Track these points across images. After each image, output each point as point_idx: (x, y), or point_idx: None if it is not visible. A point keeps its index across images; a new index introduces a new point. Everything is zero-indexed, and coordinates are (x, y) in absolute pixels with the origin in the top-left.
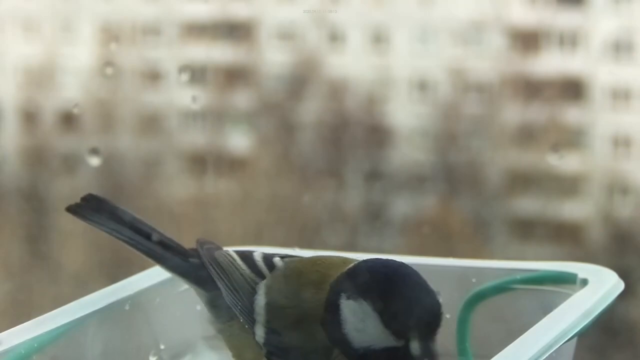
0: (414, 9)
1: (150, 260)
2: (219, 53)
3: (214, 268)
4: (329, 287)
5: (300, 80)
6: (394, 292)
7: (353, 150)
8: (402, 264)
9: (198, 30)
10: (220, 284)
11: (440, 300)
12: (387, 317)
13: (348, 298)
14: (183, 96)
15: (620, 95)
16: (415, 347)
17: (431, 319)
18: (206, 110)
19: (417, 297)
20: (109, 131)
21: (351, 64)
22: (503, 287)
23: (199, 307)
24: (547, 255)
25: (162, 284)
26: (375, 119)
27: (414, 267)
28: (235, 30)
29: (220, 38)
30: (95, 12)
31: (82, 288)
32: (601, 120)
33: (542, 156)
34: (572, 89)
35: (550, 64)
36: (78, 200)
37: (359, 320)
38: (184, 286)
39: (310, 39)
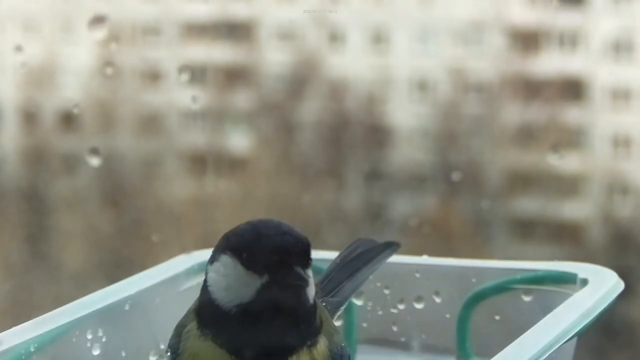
0: (414, 9)
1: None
2: (219, 53)
3: None
4: None
5: (300, 80)
6: (248, 236)
7: (353, 150)
8: (267, 219)
9: (198, 30)
10: None
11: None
12: (245, 259)
13: (212, 262)
14: (183, 96)
15: (620, 95)
16: (270, 278)
17: (283, 248)
18: (206, 110)
19: (268, 234)
20: (109, 131)
21: (351, 64)
22: (503, 287)
23: None
24: (547, 255)
25: (162, 284)
26: (375, 119)
27: (414, 267)
28: (235, 30)
29: (220, 38)
30: (95, 12)
31: (82, 288)
32: (601, 120)
33: (542, 156)
34: (572, 89)
35: (550, 64)
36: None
37: (225, 277)
38: (184, 286)
39: (310, 39)
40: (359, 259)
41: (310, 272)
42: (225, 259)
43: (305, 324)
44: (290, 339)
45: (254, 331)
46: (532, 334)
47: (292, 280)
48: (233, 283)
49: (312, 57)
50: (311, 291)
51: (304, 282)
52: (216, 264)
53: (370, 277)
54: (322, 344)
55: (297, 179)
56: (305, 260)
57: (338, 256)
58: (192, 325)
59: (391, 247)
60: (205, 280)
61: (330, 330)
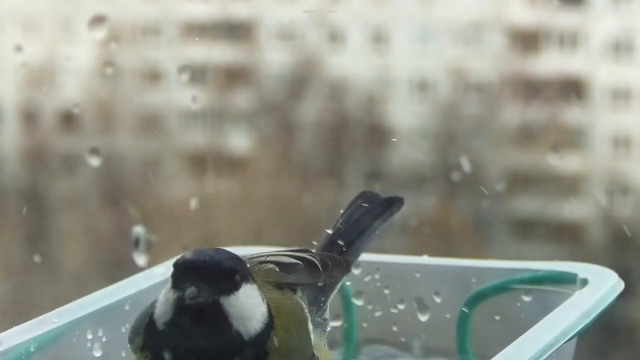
0: (414, 9)
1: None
2: (219, 53)
3: None
4: None
5: (300, 80)
6: (179, 258)
7: (353, 150)
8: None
9: (198, 30)
10: None
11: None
12: (172, 279)
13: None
14: (183, 96)
15: (620, 95)
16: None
17: (189, 266)
18: (206, 110)
19: (191, 256)
20: (109, 131)
21: (351, 64)
22: (503, 287)
23: None
24: (547, 255)
25: (162, 284)
26: (375, 119)
27: (414, 267)
28: (235, 30)
29: (220, 38)
30: (95, 12)
31: (82, 288)
32: (601, 120)
33: (542, 156)
34: (572, 89)
35: (550, 64)
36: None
37: (162, 295)
38: None
39: (310, 39)
40: (367, 216)
41: (238, 299)
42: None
43: (231, 346)
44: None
45: (176, 347)
46: (532, 334)
47: (190, 296)
48: (163, 301)
49: (312, 57)
50: (242, 312)
51: (199, 299)
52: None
53: (377, 232)
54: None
55: (297, 179)
56: (216, 280)
57: (344, 212)
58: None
59: (395, 203)
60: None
61: (296, 346)
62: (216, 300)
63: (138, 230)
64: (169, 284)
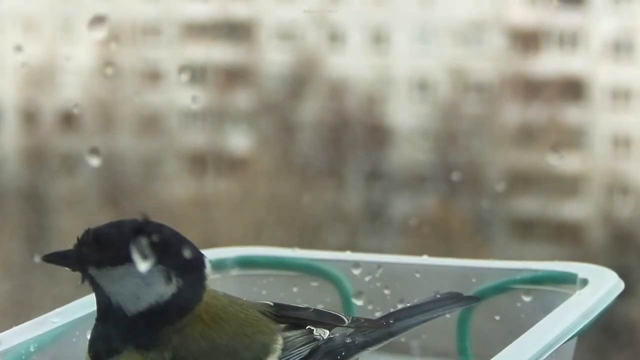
0: (414, 9)
1: None
2: (219, 53)
3: None
4: None
5: (300, 80)
6: None
7: (353, 150)
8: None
9: (198, 30)
10: None
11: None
12: None
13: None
14: (183, 96)
15: (620, 95)
16: None
17: (82, 234)
18: (206, 110)
19: (96, 227)
20: (109, 131)
21: (351, 64)
22: (503, 287)
23: None
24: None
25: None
26: (375, 119)
27: (414, 267)
28: (235, 30)
29: (220, 38)
30: (95, 12)
31: (82, 288)
32: (601, 120)
33: (542, 156)
34: (572, 89)
35: (550, 64)
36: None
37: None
38: None
39: (310, 39)
40: (431, 302)
41: (113, 273)
42: None
43: (113, 316)
44: (105, 341)
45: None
46: (532, 334)
47: (47, 257)
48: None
49: (312, 57)
50: (120, 288)
51: (69, 264)
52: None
53: (428, 321)
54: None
55: (297, 179)
56: (92, 251)
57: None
58: None
59: (468, 299)
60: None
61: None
62: (85, 269)
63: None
64: None
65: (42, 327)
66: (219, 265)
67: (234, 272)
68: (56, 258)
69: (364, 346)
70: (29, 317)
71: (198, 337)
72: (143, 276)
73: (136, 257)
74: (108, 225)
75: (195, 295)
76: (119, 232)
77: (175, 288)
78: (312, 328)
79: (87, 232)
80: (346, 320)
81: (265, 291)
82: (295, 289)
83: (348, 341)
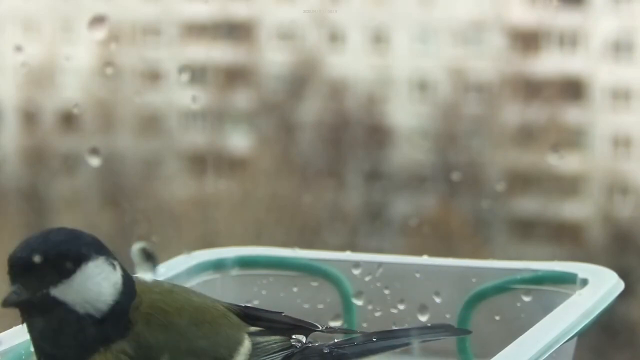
0: (414, 9)
1: None
2: (219, 53)
3: None
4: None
5: (300, 80)
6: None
7: (353, 150)
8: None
9: (198, 30)
10: None
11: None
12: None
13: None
14: (183, 96)
15: (620, 95)
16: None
17: (11, 262)
18: (206, 110)
19: (14, 251)
20: (109, 131)
21: (351, 64)
22: (503, 287)
23: None
24: (547, 255)
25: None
26: (375, 119)
27: (414, 267)
28: (235, 30)
29: (220, 38)
30: (95, 12)
31: None
32: (601, 120)
33: (542, 156)
34: (572, 89)
35: (550, 64)
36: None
37: None
38: (184, 286)
39: (310, 39)
40: (417, 330)
41: (73, 284)
42: None
43: (86, 329)
44: (61, 352)
45: (41, 353)
46: (532, 334)
47: (10, 300)
48: None
49: (312, 57)
50: (84, 295)
51: (22, 299)
52: None
53: (418, 341)
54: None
55: (297, 179)
56: (41, 274)
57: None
58: None
59: (458, 331)
60: None
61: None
62: (46, 294)
63: (140, 246)
64: None
65: None
66: (219, 265)
67: (234, 272)
68: (15, 299)
69: (341, 358)
70: None
71: (157, 323)
72: (99, 272)
73: (87, 257)
74: (32, 246)
75: (129, 274)
76: (53, 245)
77: (121, 271)
78: (292, 336)
79: (16, 259)
80: (319, 327)
81: (265, 291)
82: (295, 289)
83: (325, 351)
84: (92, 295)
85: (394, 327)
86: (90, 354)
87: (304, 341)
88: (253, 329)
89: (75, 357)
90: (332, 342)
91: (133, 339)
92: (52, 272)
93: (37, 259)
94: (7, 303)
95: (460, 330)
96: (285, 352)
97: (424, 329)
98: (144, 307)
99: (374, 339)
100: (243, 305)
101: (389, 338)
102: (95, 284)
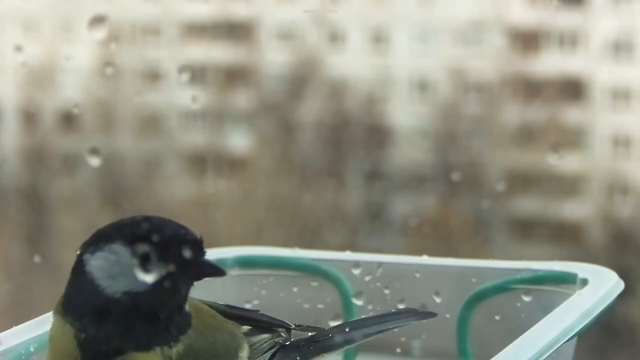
0: (414, 9)
1: None
2: (219, 53)
3: None
4: None
5: (300, 80)
6: (147, 227)
7: (353, 150)
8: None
9: (198, 30)
10: None
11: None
12: (149, 249)
13: (94, 252)
14: (183, 96)
15: (620, 95)
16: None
17: (192, 240)
18: (206, 110)
19: (169, 226)
20: (109, 131)
21: (351, 64)
22: (503, 287)
23: None
24: (547, 255)
25: None
26: (375, 119)
27: (414, 267)
28: (235, 30)
29: (220, 38)
30: (95, 12)
31: None
32: (601, 120)
33: (542, 156)
34: (572, 89)
35: (550, 64)
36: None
37: (116, 265)
38: None
39: (310, 39)
40: (389, 316)
41: (100, 257)
42: (118, 248)
43: (97, 297)
44: (151, 336)
45: (127, 321)
46: (532, 334)
47: (206, 269)
48: (126, 271)
49: (312, 57)
50: (105, 271)
51: (217, 271)
52: (102, 253)
53: (389, 329)
54: (178, 347)
55: (297, 179)
56: (89, 242)
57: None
58: (57, 309)
59: (423, 314)
60: (81, 268)
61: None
62: (80, 256)
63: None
64: (124, 253)
65: (42, 327)
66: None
67: (234, 272)
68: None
69: (319, 352)
70: (29, 317)
71: (198, 333)
72: (122, 255)
73: (118, 241)
74: (174, 222)
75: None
76: (120, 225)
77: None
78: (277, 331)
79: (198, 239)
80: (291, 325)
81: (265, 291)
82: (295, 289)
83: (302, 344)
84: (110, 273)
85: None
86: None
87: (286, 337)
88: (245, 328)
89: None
90: (307, 336)
91: (184, 341)
92: (94, 244)
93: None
94: (212, 268)
95: (425, 314)
96: (272, 350)
97: (392, 315)
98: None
99: (347, 329)
100: (224, 305)
101: (361, 327)
102: (117, 264)
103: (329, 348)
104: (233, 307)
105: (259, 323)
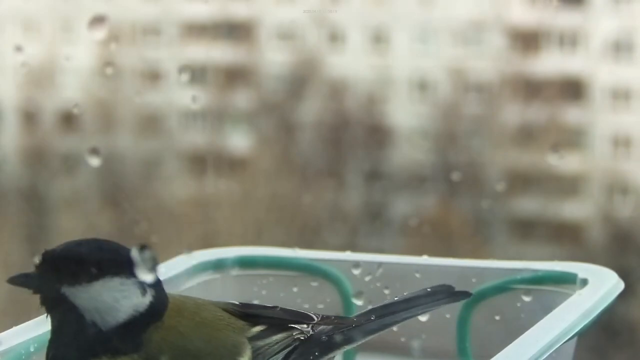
0: (414, 9)
1: None
2: (219, 53)
3: None
4: None
5: (300, 80)
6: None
7: (353, 150)
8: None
9: (198, 30)
10: None
11: None
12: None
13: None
14: (183, 96)
15: (620, 95)
16: None
17: (43, 256)
18: (206, 110)
19: (53, 248)
20: (109, 131)
21: (351, 64)
22: (503, 287)
23: None
24: (547, 255)
25: (163, 283)
26: (375, 119)
27: (414, 267)
28: (235, 30)
29: (220, 38)
30: (95, 12)
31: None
32: (601, 120)
33: (542, 156)
34: (572, 89)
35: (550, 64)
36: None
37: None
38: (184, 286)
39: (310, 39)
40: (419, 297)
41: (89, 290)
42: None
43: (86, 336)
44: (63, 350)
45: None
46: (532, 334)
47: (18, 280)
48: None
49: (312, 57)
50: (95, 304)
51: (38, 285)
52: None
53: (419, 315)
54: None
55: (297, 179)
56: (61, 271)
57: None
58: None
59: (458, 295)
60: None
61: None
62: (57, 289)
63: (142, 246)
64: None
65: (42, 327)
66: (219, 265)
67: (234, 272)
68: (23, 280)
69: (341, 344)
70: (29, 317)
71: (170, 342)
72: (121, 290)
73: (113, 271)
74: (71, 245)
75: (165, 304)
76: (87, 250)
77: (151, 297)
78: (293, 328)
79: (49, 252)
80: (315, 318)
81: (265, 291)
82: (295, 289)
83: (324, 339)
84: (103, 308)
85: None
86: (89, 357)
87: (307, 332)
88: (255, 330)
89: (74, 357)
90: (329, 328)
91: (142, 356)
92: (74, 273)
93: (66, 256)
94: (11, 280)
95: (460, 293)
96: (287, 350)
97: (424, 297)
98: (164, 329)
99: (372, 317)
100: (240, 303)
101: (388, 314)
102: (111, 299)
103: (353, 339)
104: (249, 305)
105: (275, 321)
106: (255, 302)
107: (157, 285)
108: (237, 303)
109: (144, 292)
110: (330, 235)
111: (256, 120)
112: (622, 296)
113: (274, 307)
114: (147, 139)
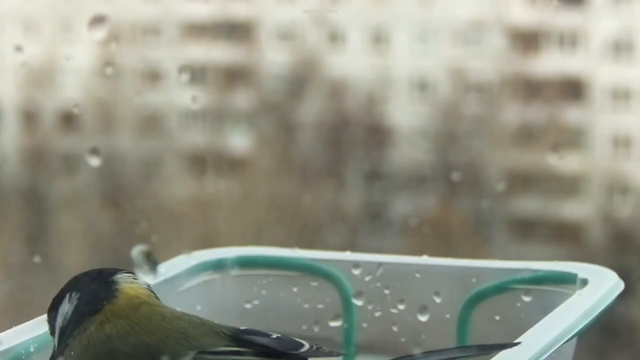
0: (414, 9)
1: None
2: (219, 53)
3: None
4: None
5: (300, 80)
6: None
7: (353, 150)
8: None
9: (198, 30)
10: None
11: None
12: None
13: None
14: (183, 96)
15: (620, 95)
16: None
17: None
18: (206, 110)
19: None
20: (109, 131)
21: (351, 64)
22: (503, 287)
23: (198, 307)
24: (547, 255)
25: (163, 283)
26: (375, 119)
27: (414, 267)
28: (235, 30)
29: (220, 38)
30: (95, 12)
31: None
32: (601, 120)
33: (542, 156)
34: (572, 89)
35: (550, 64)
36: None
37: None
38: (184, 286)
39: (310, 39)
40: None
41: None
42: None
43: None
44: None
45: None
46: (532, 334)
47: None
48: None
49: (312, 57)
50: None
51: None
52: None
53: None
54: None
55: (297, 179)
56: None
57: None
58: None
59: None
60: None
61: None
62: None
63: (141, 248)
64: None
65: (42, 327)
66: (219, 265)
67: (234, 272)
68: None
69: None
70: (29, 317)
71: (94, 342)
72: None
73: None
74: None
75: (89, 309)
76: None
77: (72, 307)
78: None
79: None
80: (306, 346)
81: (265, 291)
82: (295, 289)
83: None
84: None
85: (394, 328)
86: None
87: None
88: (223, 348)
89: None
90: None
91: (66, 356)
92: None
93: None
94: None
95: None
96: None
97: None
98: (88, 332)
99: None
100: (243, 328)
101: None
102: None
103: None
104: (250, 330)
105: (266, 349)
106: (256, 302)
107: (88, 289)
108: (241, 329)
109: (71, 301)
110: (330, 235)
111: (256, 120)
112: (622, 296)
113: (269, 335)
114: (147, 139)
